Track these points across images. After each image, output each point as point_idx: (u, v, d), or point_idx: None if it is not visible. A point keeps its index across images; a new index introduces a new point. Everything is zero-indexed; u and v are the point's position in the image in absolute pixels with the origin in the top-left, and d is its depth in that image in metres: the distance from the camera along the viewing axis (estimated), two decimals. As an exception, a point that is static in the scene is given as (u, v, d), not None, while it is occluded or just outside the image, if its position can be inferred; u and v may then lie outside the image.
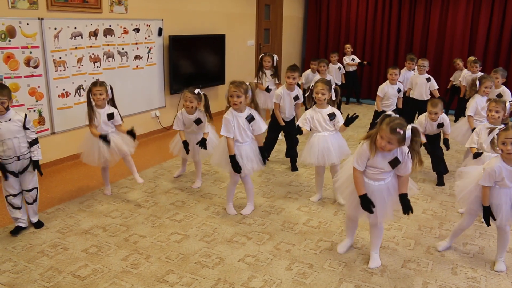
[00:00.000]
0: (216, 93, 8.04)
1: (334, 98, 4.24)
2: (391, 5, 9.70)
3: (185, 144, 4.46)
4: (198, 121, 4.51)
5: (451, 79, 8.28)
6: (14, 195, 3.65)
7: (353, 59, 9.11)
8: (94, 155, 4.21)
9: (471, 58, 7.73)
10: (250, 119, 3.87)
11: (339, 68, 8.30)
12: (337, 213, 4.24)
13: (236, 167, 3.80)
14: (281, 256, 3.46)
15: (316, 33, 10.75)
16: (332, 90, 4.19)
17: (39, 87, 4.96)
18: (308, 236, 3.79)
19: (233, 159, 3.80)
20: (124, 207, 4.25)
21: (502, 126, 3.14)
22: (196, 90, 4.46)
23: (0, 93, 3.42)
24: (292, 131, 5.31)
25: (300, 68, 10.95)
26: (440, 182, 5.02)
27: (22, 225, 3.74)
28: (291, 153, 5.46)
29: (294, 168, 5.41)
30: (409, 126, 2.90)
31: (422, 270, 3.32)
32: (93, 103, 4.16)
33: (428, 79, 6.58)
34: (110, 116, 4.22)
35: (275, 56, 6.34)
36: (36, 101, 4.96)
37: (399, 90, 6.17)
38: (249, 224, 3.96)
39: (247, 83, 3.87)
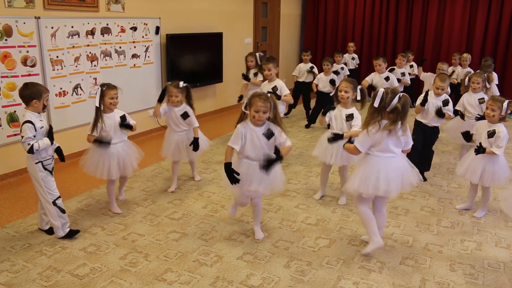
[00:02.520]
0: (213, 91, 8.04)
1: (358, 98, 4.08)
2: (388, 2, 9.70)
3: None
4: (184, 115, 4.40)
5: None
6: (59, 197, 3.60)
7: (353, 58, 9.12)
8: (99, 167, 3.87)
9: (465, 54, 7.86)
10: (269, 135, 3.35)
11: (342, 68, 8.23)
12: (335, 210, 4.24)
13: (231, 178, 3.29)
14: (279, 253, 3.46)
15: (314, 30, 10.75)
16: (358, 90, 4.04)
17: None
18: (306, 234, 3.79)
19: (227, 168, 3.30)
20: (122, 206, 4.25)
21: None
22: (180, 84, 4.38)
23: (45, 92, 3.43)
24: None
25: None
26: (423, 178, 5.00)
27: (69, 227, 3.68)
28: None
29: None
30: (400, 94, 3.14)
31: (420, 267, 3.33)
32: (102, 108, 3.80)
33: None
34: (123, 118, 3.92)
35: (258, 54, 6.23)
36: (34, 100, 4.95)
37: (387, 79, 6.49)
38: (247, 222, 3.96)
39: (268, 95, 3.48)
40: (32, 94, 3.34)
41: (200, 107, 7.79)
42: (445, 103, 4.76)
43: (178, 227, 3.85)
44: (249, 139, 3.35)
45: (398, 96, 3.11)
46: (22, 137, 3.30)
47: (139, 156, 4.16)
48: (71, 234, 3.63)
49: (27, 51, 4.81)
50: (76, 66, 5.41)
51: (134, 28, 6.14)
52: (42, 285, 3.01)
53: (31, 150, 3.31)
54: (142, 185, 4.77)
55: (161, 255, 3.41)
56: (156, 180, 4.94)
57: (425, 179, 5.01)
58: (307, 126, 7.33)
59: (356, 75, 9.07)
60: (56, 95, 5.20)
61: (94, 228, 3.82)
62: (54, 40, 5.08)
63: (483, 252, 3.56)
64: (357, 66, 9.30)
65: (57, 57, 5.14)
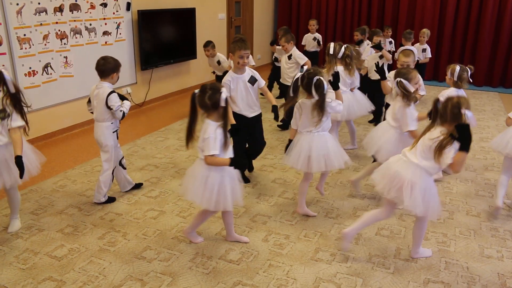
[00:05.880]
0: (187, 68, 7.94)
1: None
2: (362, -24, 9.67)
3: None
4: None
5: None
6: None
7: (315, 39, 7.77)
8: (227, 194, 2.95)
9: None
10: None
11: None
12: (311, 184, 4.29)
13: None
14: (257, 228, 3.50)
15: (288, 4, 10.66)
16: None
17: (3, 66, 4.79)
18: (283, 208, 3.84)
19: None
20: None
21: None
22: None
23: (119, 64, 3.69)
24: (256, 133, 4.25)
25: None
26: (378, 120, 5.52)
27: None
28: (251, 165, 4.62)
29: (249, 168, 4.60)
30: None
31: (395, 237, 3.42)
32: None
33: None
34: None
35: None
36: (2, 80, 4.80)
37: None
38: (225, 198, 3.98)
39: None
40: (113, 68, 3.61)
41: (175, 84, 7.71)
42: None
43: (156, 205, 3.85)
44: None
45: (344, 46, 4.33)
46: (110, 108, 3.58)
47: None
48: (111, 200, 3.89)
49: (-7, 29, 4.65)
50: (45, 45, 5.25)
51: (104, 4, 5.97)
52: (19, 268, 2.99)
53: (123, 116, 3.65)
54: (118, 165, 4.72)
55: (140, 234, 3.41)
56: (132, 158, 4.89)
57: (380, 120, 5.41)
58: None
59: (317, 58, 7.93)
60: (25, 74, 5.05)
61: (71, 209, 3.78)
62: (20, 18, 4.91)
63: (455, 220, 3.67)
64: (318, 48, 7.86)
65: (25, 35, 4.98)
